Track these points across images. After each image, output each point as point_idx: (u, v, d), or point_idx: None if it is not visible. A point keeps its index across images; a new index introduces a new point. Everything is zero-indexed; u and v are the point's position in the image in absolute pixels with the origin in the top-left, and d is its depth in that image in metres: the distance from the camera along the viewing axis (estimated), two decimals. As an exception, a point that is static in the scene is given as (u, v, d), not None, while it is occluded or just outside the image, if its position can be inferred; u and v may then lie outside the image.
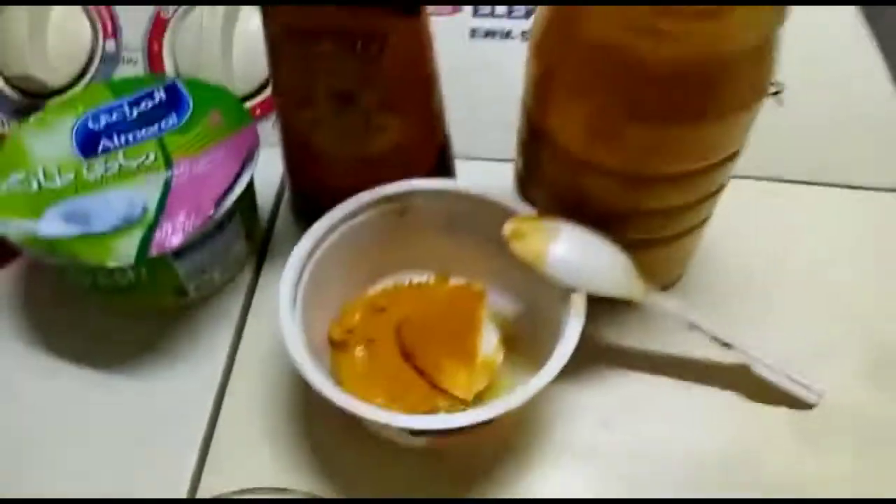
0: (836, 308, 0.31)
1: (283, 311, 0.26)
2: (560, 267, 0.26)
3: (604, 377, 0.29)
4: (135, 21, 0.39)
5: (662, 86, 0.23)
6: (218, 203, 0.28)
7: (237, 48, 0.38)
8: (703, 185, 0.27)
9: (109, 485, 0.27)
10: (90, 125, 0.32)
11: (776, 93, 0.36)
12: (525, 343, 0.29)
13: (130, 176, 0.30)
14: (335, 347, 0.29)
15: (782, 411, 0.28)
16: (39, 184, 0.29)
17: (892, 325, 0.30)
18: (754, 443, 0.28)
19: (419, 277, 0.32)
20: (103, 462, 0.28)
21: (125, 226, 0.28)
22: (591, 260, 0.26)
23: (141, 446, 0.28)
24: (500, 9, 0.38)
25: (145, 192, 0.29)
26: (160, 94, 0.33)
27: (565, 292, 0.26)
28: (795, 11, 0.38)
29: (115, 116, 0.32)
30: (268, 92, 0.38)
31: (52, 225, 0.28)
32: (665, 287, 0.32)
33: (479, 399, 0.28)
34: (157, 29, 0.39)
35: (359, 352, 0.29)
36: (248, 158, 0.30)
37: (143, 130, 0.31)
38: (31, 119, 0.32)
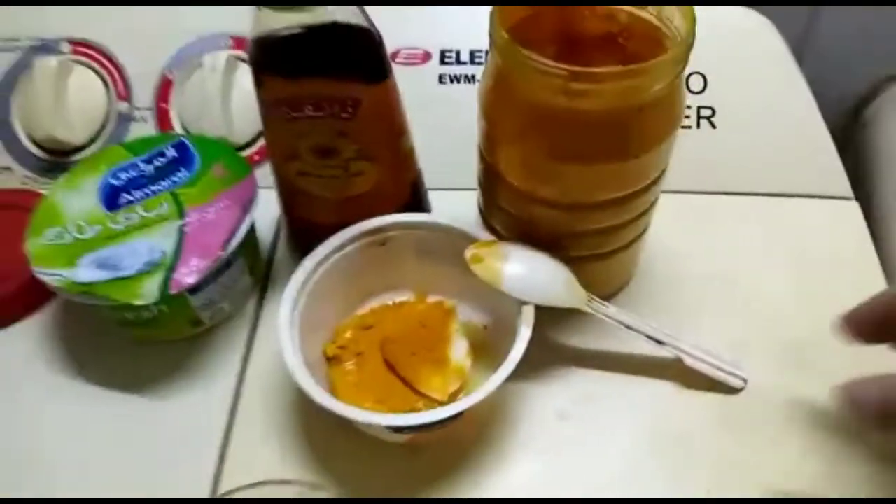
0: (758, 306, 0.36)
1: (282, 332, 0.30)
2: (513, 284, 0.31)
3: (559, 375, 0.34)
4: (144, 83, 0.44)
5: (582, 133, 0.28)
6: (225, 245, 0.33)
7: (235, 103, 0.42)
8: (631, 208, 0.32)
9: (139, 488, 0.32)
10: (112, 182, 0.36)
11: (709, 116, 0.41)
12: (491, 350, 0.34)
13: (149, 225, 0.34)
14: (330, 362, 0.34)
15: (712, 397, 0.33)
16: (72, 236, 0.34)
17: (805, 321, 0.35)
18: (690, 424, 0.32)
19: (401, 297, 0.37)
20: (132, 469, 0.32)
21: (148, 269, 0.33)
22: (539, 276, 0.31)
23: (166, 454, 0.33)
24: (464, 56, 0.43)
25: (163, 239, 0.34)
26: (171, 152, 0.37)
27: (519, 305, 0.31)
28: (723, 43, 0.43)
29: (133, 173, 0.37)
30: (263, 141, 0.43)
31: (86, 272, 0.32)
32: (613, 294, 0.37)
33: (453, 400, 0.32)
34: (164, 89, 0.44)
35: (349, 365, 0.34)
36: (248, 205, 0.35)
37: (158, 184, 0.36)
38: (61, 180, 0.37)
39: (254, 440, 0.33)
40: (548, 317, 0.33)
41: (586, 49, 0.30)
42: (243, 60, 0.43)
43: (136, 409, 0.34)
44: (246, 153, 0.42)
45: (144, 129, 0.44)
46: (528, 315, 0.30)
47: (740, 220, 0.40)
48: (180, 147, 0.38)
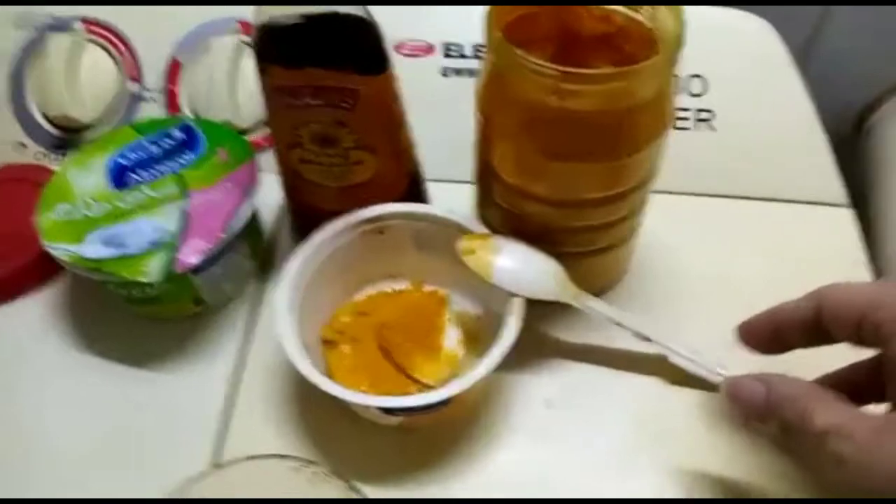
0: (747, 308, 0.36)
1: (280, 316, 0.32)
2: (503, 277, 0.32)
3: (547, 366, 0.35)
4: (154, 65, 0.45)
5: (574, 133, 0.29)
6: (227, 227, 0.35)
7: (242, 87, 0.43)
8: (622, 206, 0.32)
9: (140, 460, 0.33)
10: (120, 161, 0.37)
11: (708, 119, 0.42)
12: (484, 339, 0.35)
13: (154, 205, 0.35)
14: (327, 345, 0.35)
15: (696, 394, 0.34)
16: (81, 213, 0.35)
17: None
18: (673, 419, 0.33)
19: (398, 286, 0.38)
20: (132, 441, 0.34)
21: (153, 248, 0.34)
22: (529, 270, 0.32)
23: (168, 428, 0.34)
24: (468, 50, 0.43)
25: (167, 219, 0.35)
26: (178, 134, 0.38)
27: (509, 297, 0.32)
28: (724, 46, 0.44)
29: (140, 154, 0.38)
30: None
31: (93, 248, 0.34)
32: (604, 290, 0.37)
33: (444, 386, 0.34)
34: (174, 72, 0.45)
35: (346, 349, 0.35)
36: (250, 189, 0.36)
37: (164, 165, 0.37)
38: (72, 157, 0.38)
39: (253, 418, 0.34)
40: (538, 310, 0.34)
41: (583, 49, 0.31)
42: (250, 45, 0.44)
43: (139, 384, 0.36)
44: (252, 137, 0.43)
45: (154, 109, 0.45)
46: (517, 307, 0.31)
47: (735, 223, 0.41)
48: (187, 130, 0.39)
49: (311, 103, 0.32)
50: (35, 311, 0.38)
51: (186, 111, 0.45)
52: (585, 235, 0.34)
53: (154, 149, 0.38)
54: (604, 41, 0.31)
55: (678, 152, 0.41)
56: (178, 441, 0.34)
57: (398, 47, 0.43)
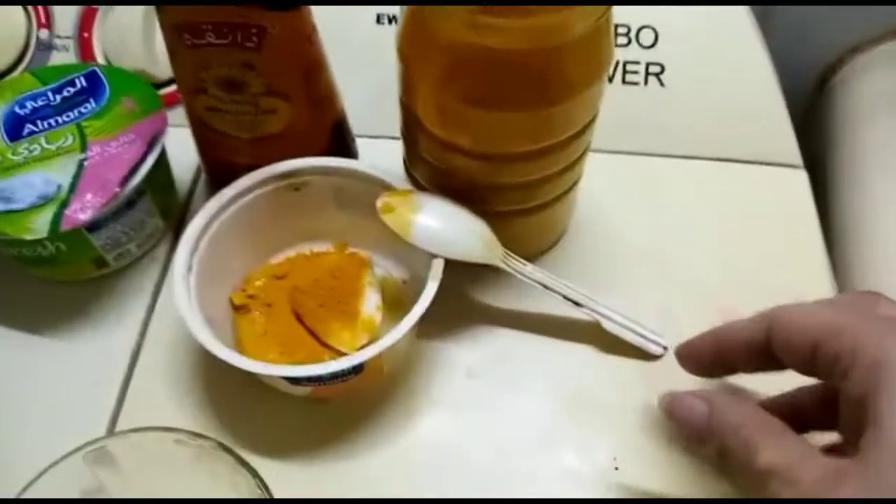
0: (687, 274, 0.34)
1: (177, 278, 0.29)
2: (422, 236, 0.29)
3: (472, 333, 0.33)
4: (67, 11, 0.42)
5: (496, 76, 0.26)
6: (124, 182, 0.32)
7: (159, 37, 0.40)
8: (554, 160, 0.30)
9: (37, 430, 0.31)
10: (17, 111, 0.34)
11: (658, 73, 0.39)
12: (408, 305, 0.32)
13: (50, 158, 0.32)
14: (237, 311, 0.32)
15: (631, 363, 0.32)
16: (-32, 165, 0.32)
17: (733, 291, 0.33)
18: (605, 389, 0.31)
19: (320, 247, 0.35)
20: (30, 411, 0.31)
21: (41, 203, 0.31)
22: (451, 229, 0.30)
23: (64, 398, 0.32)
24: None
25: (60, 172, 0.32)
26: (81, 82, 0.35)
27: (431, 258, 0.29)
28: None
29: (40, 102, 0.35)
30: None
31: (-24, 203, 0.31)
32: (540, 253, 0.35)
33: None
34: (87, 18, 0.42)
35: (257, 315, 0.32)
36: (154, 141, 0.33)
37: (64, 115, 0.34)
38: (-37, 106, 0.35)
39: (154, 387, 0.32)
40: (466, 274, 0.31)
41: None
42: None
43: (33, 350, 0.33)
44: (168, 90, 0.40)
45: (66, 58, 0.41)
46: (436, 268, 0.29)
47: (682, 184, 0.38)
48: (92, 77, 0.35)
49: (214, 42, 0.29)
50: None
51: (101, 61, 0.41)
52: (515, 193, 0.31)
53: (55, 97, 0.35)
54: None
55: (625, 108, 0.39)
56: (74, 413, 0.31)
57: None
